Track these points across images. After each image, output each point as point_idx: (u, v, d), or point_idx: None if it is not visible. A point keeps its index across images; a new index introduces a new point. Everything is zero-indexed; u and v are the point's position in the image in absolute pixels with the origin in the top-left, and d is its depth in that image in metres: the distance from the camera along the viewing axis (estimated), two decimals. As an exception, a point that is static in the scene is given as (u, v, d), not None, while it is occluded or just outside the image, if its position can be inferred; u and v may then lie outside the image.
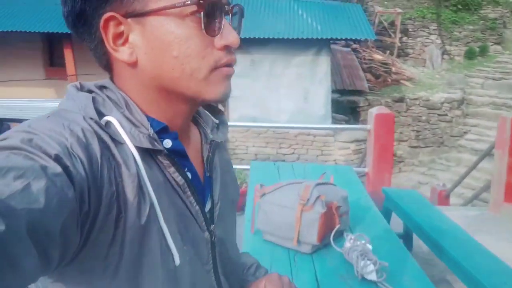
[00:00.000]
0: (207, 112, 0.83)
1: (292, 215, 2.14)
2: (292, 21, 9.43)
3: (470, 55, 14.34)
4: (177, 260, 0.65)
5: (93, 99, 0.63)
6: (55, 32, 9.08)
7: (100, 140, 0.59)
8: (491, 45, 14.63)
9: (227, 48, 0.65)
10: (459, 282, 2.63)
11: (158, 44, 0.63)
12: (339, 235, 2.21)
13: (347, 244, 2.05)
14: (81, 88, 0.66)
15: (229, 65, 0.66)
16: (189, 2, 0.60)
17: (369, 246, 2.02)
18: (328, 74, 9.49)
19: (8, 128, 8.41)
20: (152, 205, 0.61)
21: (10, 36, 9.37)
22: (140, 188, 0.60)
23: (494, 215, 4.58)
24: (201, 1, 0.61)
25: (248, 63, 9.21)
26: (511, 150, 4.38)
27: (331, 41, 9.87)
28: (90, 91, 0.66)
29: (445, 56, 14.47)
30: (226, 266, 0.80)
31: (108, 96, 0.66)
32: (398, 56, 14.10)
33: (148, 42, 0.63)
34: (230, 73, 0.67)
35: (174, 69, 0.63)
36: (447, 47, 14.52)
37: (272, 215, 2.22)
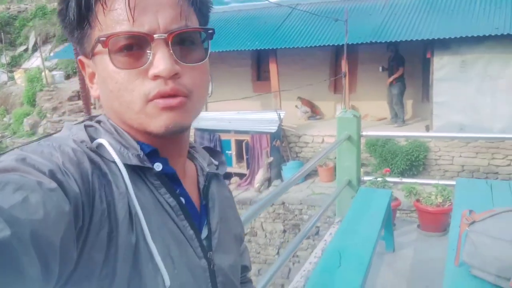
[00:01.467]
0: (205, 151, 0.86)
1: (510, 251, 1.82)
2: (515, 14, 8.22)
3: None
4: (167, 281, 0.63)
5: (85, 128, 0.67)
6: (262, 48, 9.85)
7: (91, 159, 0.61)
8: None
9: (159, 78, 0.63)
10: None
11: (101, 80, 0.67)
12: None
13: None
14: (77, 123, 0.70)
15: (166, 95, 0.64)
16: (96, 41, 0.63)
17: None
18: (559, 73, 7.98)
19: (219, 138, 9.49)
20: (139, 224, 0.61)
21: (226, 55, 10.54)
22: (129, 207, 0.61)
23: None
24: (102, 39, 0.62)
25: (457, 64, 8.37)
26: None
27: None
28: (86, 125, 0.69)
29: None
30: None
31: (101, 126, 0.69)
32: None
33: (98, 79, 0.68)
34: (166, 106, 0.64)
35: (114, 102, 0.66)
36: None
37: (483, 248, 1.92)
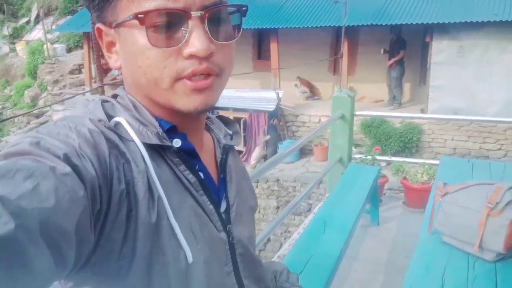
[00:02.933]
0: (219, 121, 0.86)
1: (476, 219, 2.00)
2: (514, 1, 8.26)
3: None
4: (190, 258, 0.64)
5: (103, 105, 0.67)
6: (264, 27, 9.89)
7: (108, 139, 0.60)
8: None
9: (194, 57, 0.62)
10: None
11: (128, 54, 0.65)
12: None
13: None
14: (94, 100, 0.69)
15: (199, 74, 0.63)
16: (131, 17, 0.61)
17: None
18: (555, 60, 8.07)
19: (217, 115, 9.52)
20: (161, 202, 0.61)
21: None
22: (149, 185, 0.61)
23: None
24: (140, 16, 0.60)
25: (455, 49, 8.45)
26: None
27: None
28: (103, 100, 0.69)
29: None
30: (252, 270, 0.79)
31: (118, 102, 0.69)
32: None
33: (123, 52, 0.66)
34: (197, 88, 0.63)
35: (140, 77, 0.64)
36: None
37: (453, 217, 2.09)
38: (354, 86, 10.35)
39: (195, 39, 0.61)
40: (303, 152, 9.12)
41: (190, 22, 0.61)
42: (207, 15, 0.61)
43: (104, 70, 13.30)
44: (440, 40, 8.51)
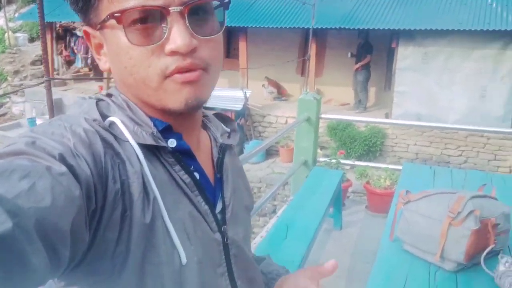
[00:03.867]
0: (217, 119, 0.85)
1: (437, 228, 2.00)
2: (478, 11, 8.47)
3: None
4: (184, 259, 0.63)
5: (97, 104, 0.66)
6: (233, 25, 9.81)
7: (103, 139, 0.60)
8: None
9: (176, 54, 0.60)
10: None
11: (113, 55, 0.64)
12: (494, 255, 1.99)
13: (501, 268, 1.87)
14: (90, 98, 0.69)
15: (184, 70, 0.62)
16: (108, 17, 0.60)
17: None
18: (514, 70, 8.36)
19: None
20: (156, 202, 0.61)
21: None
22: (144, 185, 0.61)
23: None
24: (117, 15, 0.59)
25: (419, 56, 8.63)
26: None
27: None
28: (98, 99, 0.68)
29: None
30: (245, 271, 0.78)
31: (112, 101, 0.68)
32: None
33: (109, 53, 0.65)
34: (186, 80, 0.62)
35: (128, 78, 0.63)
36: None
37: (415, 225, 2.09)
38: (321, 88, 10.43)
39: (176, 35, 0.60)
40: (269, 153, 9.11)
41: (169, 18, 0.60)
42: (187, 10, 0.60)
43: (67, 62, 12.93)
44: (405, 46, 8.67)
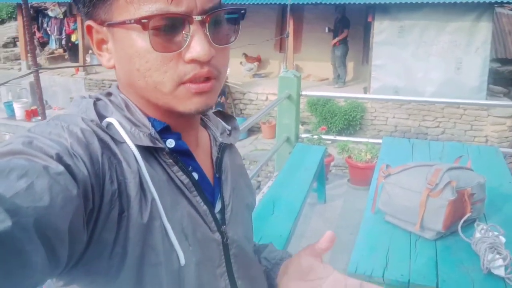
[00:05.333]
0: (217, 117, 0.84)
1: (417, 199, 2.09)
2: (452, -17, 8.59)
3: None
4: (182, 260, 0.63)
5: (95, 104, 0.66)
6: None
7: (100, 139, 0.60)
8: None
9: (195, 62, 0.61)
10: None
11: (123, 55, 0.63)
12: (470, 223, 2.11)
13: (477, 235, 1.97)
14: (89, 97, 0.68)
15: (200, 80, 0.62)
16: (132, 21, 0.58)
17: (502, 239, 1.92)
18: (487, 42, 8.49)
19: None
20: (154, 203, 0.61)
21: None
22: (142, 186, 0.61)
23: None
24: (144, 21, 0.58)
25: (396, 30, 8.70)
26: None
27: (495, 5, 8.78)
28: (96, 98, 0.67)
29: None
30: (246, 270, 0.78)
31: (110, 100, 0.67)
32: None
33: (117, 52, 0.64)
34: (199, 91, 0.63)
35: (139, 80, 0.63)
36: None
37: (395, 198, 2.18)
38: (300, 64, 10.45)
39: (197, 43, 0.60)
40: (251, 130, 9.16)
41: (192, 27, 0.60)
42: (208, 19, 0.61)
43: (40, 43, 12.60)
44: (381, 20, 8.72)
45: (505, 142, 8.03)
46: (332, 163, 5.04)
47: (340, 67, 9.69)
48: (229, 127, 0.83)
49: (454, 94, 8.05)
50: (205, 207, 0.70)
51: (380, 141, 3.93)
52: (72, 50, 12.24)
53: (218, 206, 0.74)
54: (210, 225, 0.70)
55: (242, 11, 0.67)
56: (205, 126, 0.81)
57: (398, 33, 8.71)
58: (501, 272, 1.78)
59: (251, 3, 9.47)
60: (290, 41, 9.27)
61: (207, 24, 0.60)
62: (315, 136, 4.69)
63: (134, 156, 0.62)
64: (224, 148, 0.79)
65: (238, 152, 0.88)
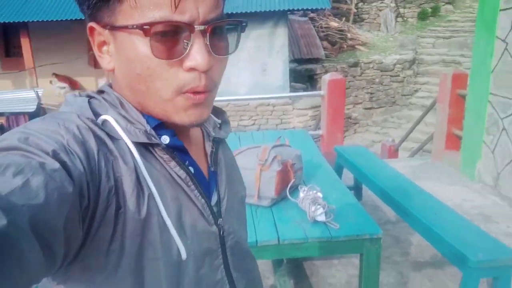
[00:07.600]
0: None
1: (252, 175, 2.35)
2: (250, -5, 9.38)
3: (422, 16, 14.71)
4: (184, 254, 0.64)
5: (90, 101, 0.65)
6: (10, 21, 8.90)
7: (96, 136, 0.59)
8: (443, 5, 14.94)
9: (194, 71, 0.61)
10: (402, 221, 2.99)
11: (125, 59, 0.62)
12: (295, 189, 2.47)
13: (301, 195, 2.30)
14: (80, 95, 0.67)
15: (199, 91, 0.62)
16: (135, 26, 0.58)
17: (320, 194, 2.27)
18: (285, 45, 9.62)
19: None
20: (152, 198, 0.61)
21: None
22: (139, 181, 0.60)
23: (436, 162, 4.97)
24: (146, 27, 0.58)
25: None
26: (451, 103, 4.73)
27: (288, 12, 9.93)
28: (88, 96, 0.67)
29: (399, 19, 14.76)
30: (241, 262, 0.80)
31: (104, 98, 0.67)
32: (354, 22, 14.33)
33: (118, 55, 0.63)
34: (196, 102, 0.63)
35: (140, 84, 0.63)
36: (401, 10, 14.80)
37: (240, 176, 2.45)
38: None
39: (197, 52, 0.60)
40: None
41: (193, 36, 0.59)
42: (209, 29, 0.60)
43: None
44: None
45: (309, 129, 9.32)
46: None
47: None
48: (219, 121, 0.82)
49: (263, 93, 8.96)
50: (203, 200, 0.70)
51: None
52: None
53: (213, 200, 0.75)
54: (208, 218, 0.71)
55: (243, 24, 0.67)
56: None
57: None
58: (322, 218, 2.13)
59: (58, 19, 9.01)
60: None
61: (208, 34, 0.60)
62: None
63: (131, 152, 0.61)
64: (218, 142, 0.79)
65: (228, 146, 0.88)
